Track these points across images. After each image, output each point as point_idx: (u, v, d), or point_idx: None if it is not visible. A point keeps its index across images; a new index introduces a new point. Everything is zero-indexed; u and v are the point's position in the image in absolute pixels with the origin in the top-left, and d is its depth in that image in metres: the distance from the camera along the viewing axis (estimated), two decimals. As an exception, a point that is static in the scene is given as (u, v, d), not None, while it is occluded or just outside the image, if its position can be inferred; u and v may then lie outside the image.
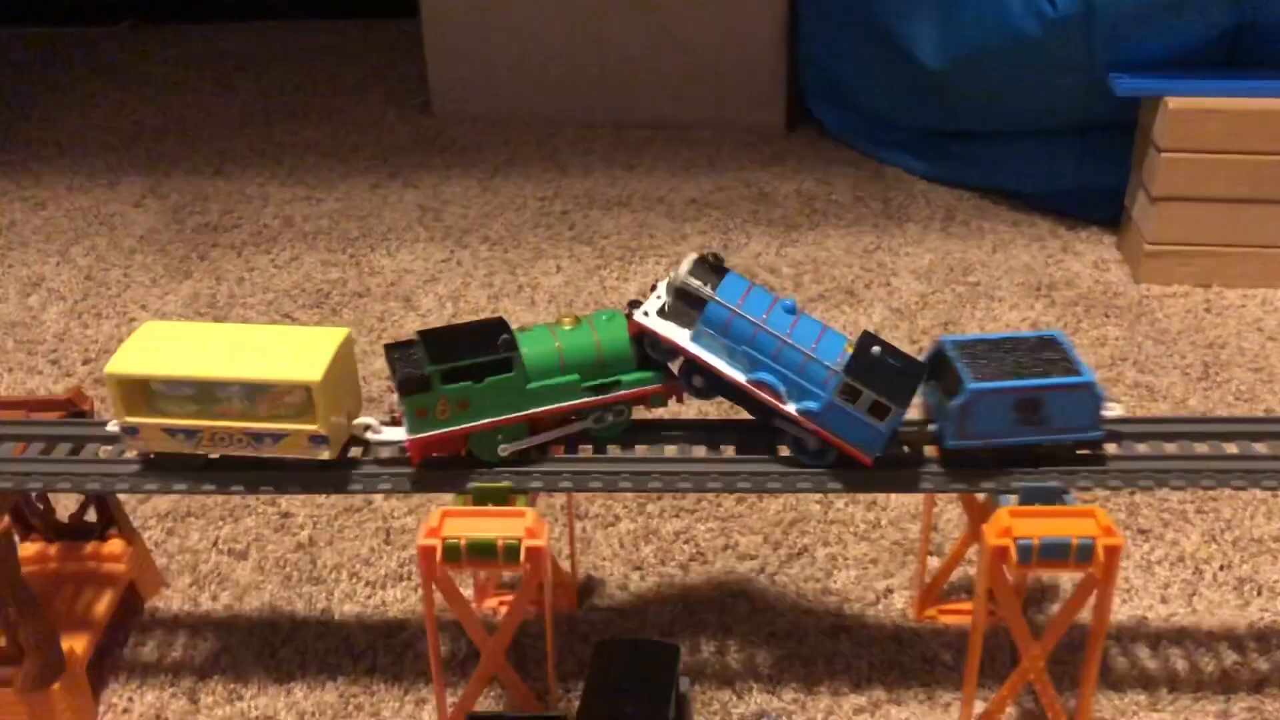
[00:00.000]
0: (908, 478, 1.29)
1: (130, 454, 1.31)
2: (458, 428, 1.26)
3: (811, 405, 1.24)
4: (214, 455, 1.29)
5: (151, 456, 1.30)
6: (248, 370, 1.24)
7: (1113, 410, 1.28)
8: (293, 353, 1.25)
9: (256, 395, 1.24)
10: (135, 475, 1.30)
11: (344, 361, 1.28)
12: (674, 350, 1.27)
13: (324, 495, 1.74)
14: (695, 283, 1.25)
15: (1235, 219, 2.27)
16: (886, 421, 1.22)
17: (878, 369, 1.22)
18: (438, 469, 1.30)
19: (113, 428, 1.29)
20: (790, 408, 1.25)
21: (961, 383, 1.23)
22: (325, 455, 1.26)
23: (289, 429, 1.25)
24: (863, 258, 2.44)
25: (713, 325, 1.25)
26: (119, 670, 1.48)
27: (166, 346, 1.28)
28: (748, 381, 1.26)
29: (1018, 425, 1.25)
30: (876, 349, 1.23)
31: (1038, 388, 1.24)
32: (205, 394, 1.25)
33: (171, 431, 1.26)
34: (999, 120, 2.59)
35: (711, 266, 1.27)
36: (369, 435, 1.29)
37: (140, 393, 1.26)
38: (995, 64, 2.44)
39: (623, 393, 1.29)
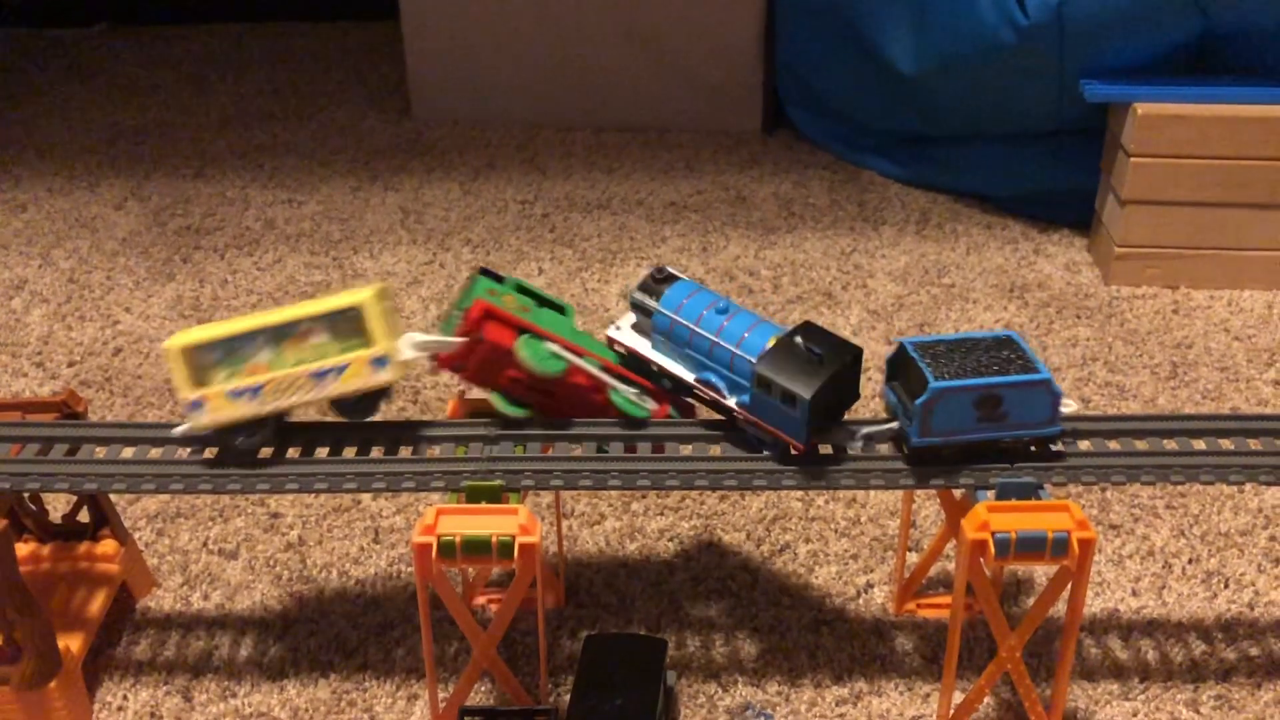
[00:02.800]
0: (889, 475, 1.33)
1: (192, 425, 1.32)
2: (516, 315, 1.33)
3: (744, 398, 1.31)
4: (278, 409, 1.30)
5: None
6: (297, 311, 1.28)
7: (1068, 407, 1.33)
8: (333, 299, 1.29)
9: (283, 341, 1.27)
10: (132, 475, 1.32)
11: (385, 302, 1.31)
12: (643, 360, 1.38)
13: (313, 495, 1.77)
14: (641, 295, 1.37)
15: (1202, 222, 2.32)
16: (798, 411, 1.26)
17: (790, 358, 1.27)
18: (429, 463, 1.33)
19: (181, 430, 1.31)
20: (731, 402, 1.32)
21: (925, 382, 1.27)
22: (387, 377, 1.29)
23: (349, 359, 1.27)
24: (840, 260, 2.48)
25: (661, 332, 1.36)
26: (113, 669, 1.50)
27: (211, 328, 1.31)
28: (695, 381, 1.34)
29: (978, 422, 1.29)
30: (799, 339, 1.28)
31: (997, 385, 1.28)
32: (234, 355, 1.27)
33: (236, 394, 1.28)
34: (972, 125, 2.64)
35: (660, 279, 1.38)
36: (414, 339, 1.31)
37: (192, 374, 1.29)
38: (969, 70, 2.49)
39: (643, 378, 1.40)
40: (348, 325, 1.27)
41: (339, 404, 1.33)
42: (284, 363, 1.28)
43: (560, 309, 1.40)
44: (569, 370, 1.35)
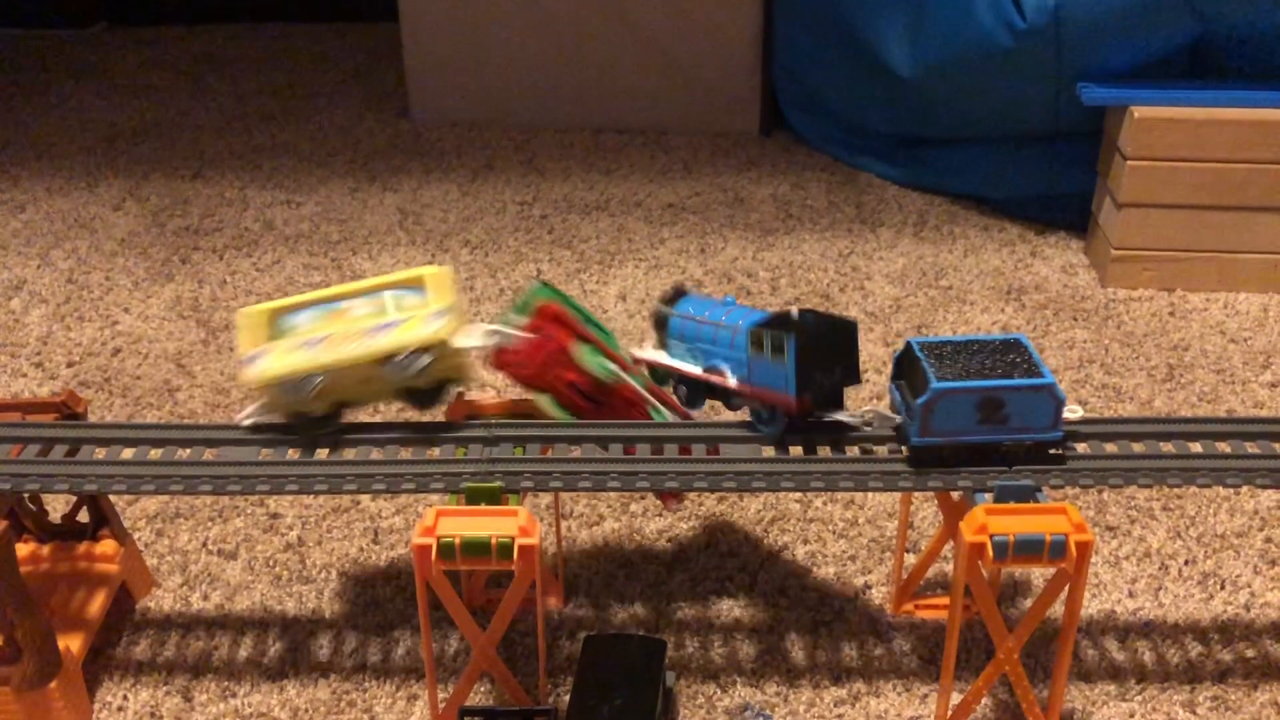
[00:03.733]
0: (887, 477, 1.33)
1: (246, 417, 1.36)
2: (578, 316, 1.42)
3: (742, 371, 1.35)
4: (336, 361, 1.32)
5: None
6: (366, 283, 1.35)
7: (1075, 413, 1.33)
8: (399, 273, 1.37)
9: (326, 314, 1.33)
10: (132, 476, 1.32)
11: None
12: (662, 368, 1.44)
13: (312, 496, 1.77)
14: (659, 307, 1.45)
15: (1198, 225, 2.33)
16: (787, 357, 1.29)
17: (783, 322, 1.33)
18: (429, 464, 1.34)
19: (249, 412, 1.35)
20: (732, 381, 1.37)
21: (926, 381, 1.28)
22: (440, 326, 1.32)
23: (407, 314, 1.32)
24: (837, 261, 2.49)
25: (674, 335, 1.43)
26: (113, 669, 1.50)
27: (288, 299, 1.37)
28: (703, 371, 1.40)
29: (979, 424, 1.30)
30: (794, 311, 1.35)
31: (1000, 388, 1.29)
32: (287, 324, 1.34)
33: (295, 347, 1.32)
34: (970, 128, 2.65)
35: (678, 295, 1.45)
36: (483, 327, 1.36)
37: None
38: (966, 73, 2.50)
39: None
40: (398, 299, 1.34)
41: (406, 392, 1.36)
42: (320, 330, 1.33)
43: (606, 329, 1.48)
44: (619, 383, 1.41)
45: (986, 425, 1.30)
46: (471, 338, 1.34)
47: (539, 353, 1.38)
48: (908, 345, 1.35)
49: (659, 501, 1.65)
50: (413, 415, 1.98)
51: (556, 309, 1.40)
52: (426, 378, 1.34)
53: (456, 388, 1.40)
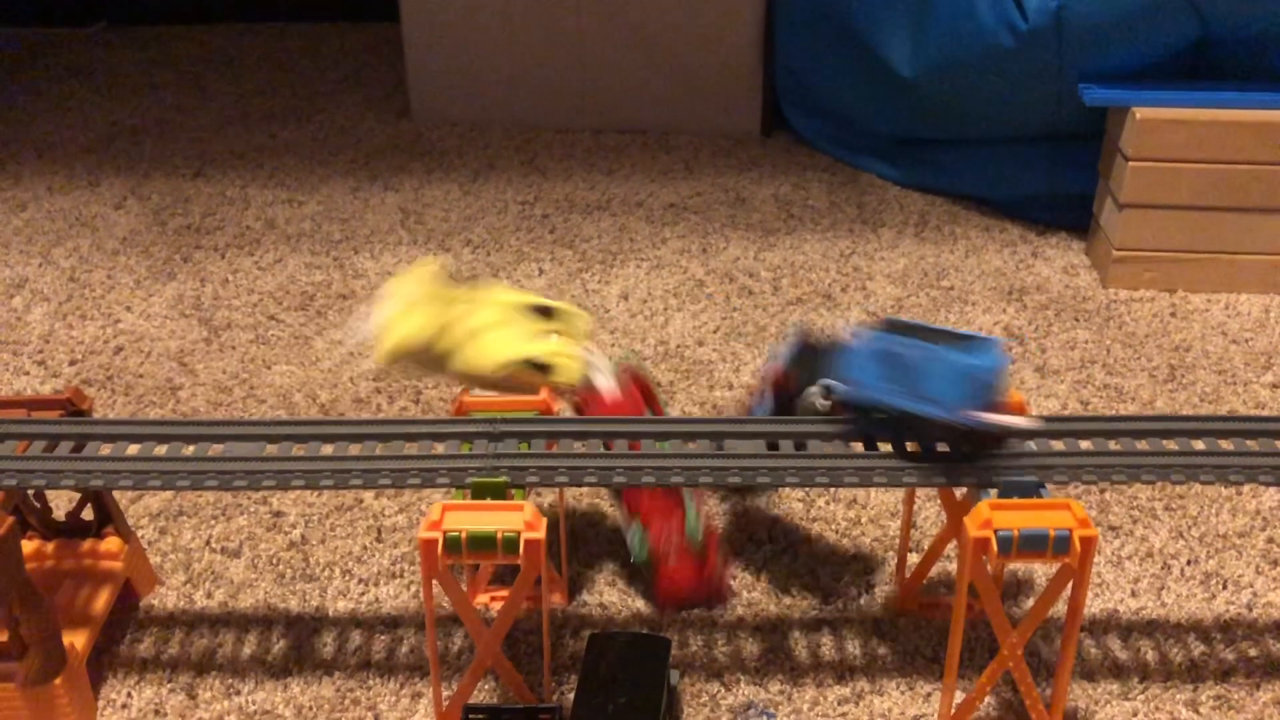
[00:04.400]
0: (891, 473, 1.33)
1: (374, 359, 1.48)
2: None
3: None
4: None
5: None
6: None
7: (1021, 423, 1.34)
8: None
9: None
10: (138, 472, 1.32)
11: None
12: None
13: (315, 495, 1.77)
14: None
15: (1199, 226, 2.34)
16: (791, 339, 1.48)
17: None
18: (435, 459, 1.34)
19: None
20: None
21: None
22: (548, 298, 1.47)
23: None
24: (839, 262, 2.49)
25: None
26: (117, 666, 1.50)
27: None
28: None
29: (883, 380, 1.33)
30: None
31: (899, 347, 1.34)
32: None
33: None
34: (971, 128, 2.65)
35: None
36: (595, 353, 1.47)
37: None
38: (968, 74, 2.50)
39: None
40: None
41: (526, 363, 1.43)
42: None
43: None
44: None
45: (892, 384, 1.32)
46: (588, 354, 1.45)
47: (622, 409, 1.46)
48: (884, 321, 1.42)
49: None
50: (416, 412, 1.99)
51: (644, 380, 1.52)
52: (552, 346, 1.43)
53: (554, 379, 1.45)
